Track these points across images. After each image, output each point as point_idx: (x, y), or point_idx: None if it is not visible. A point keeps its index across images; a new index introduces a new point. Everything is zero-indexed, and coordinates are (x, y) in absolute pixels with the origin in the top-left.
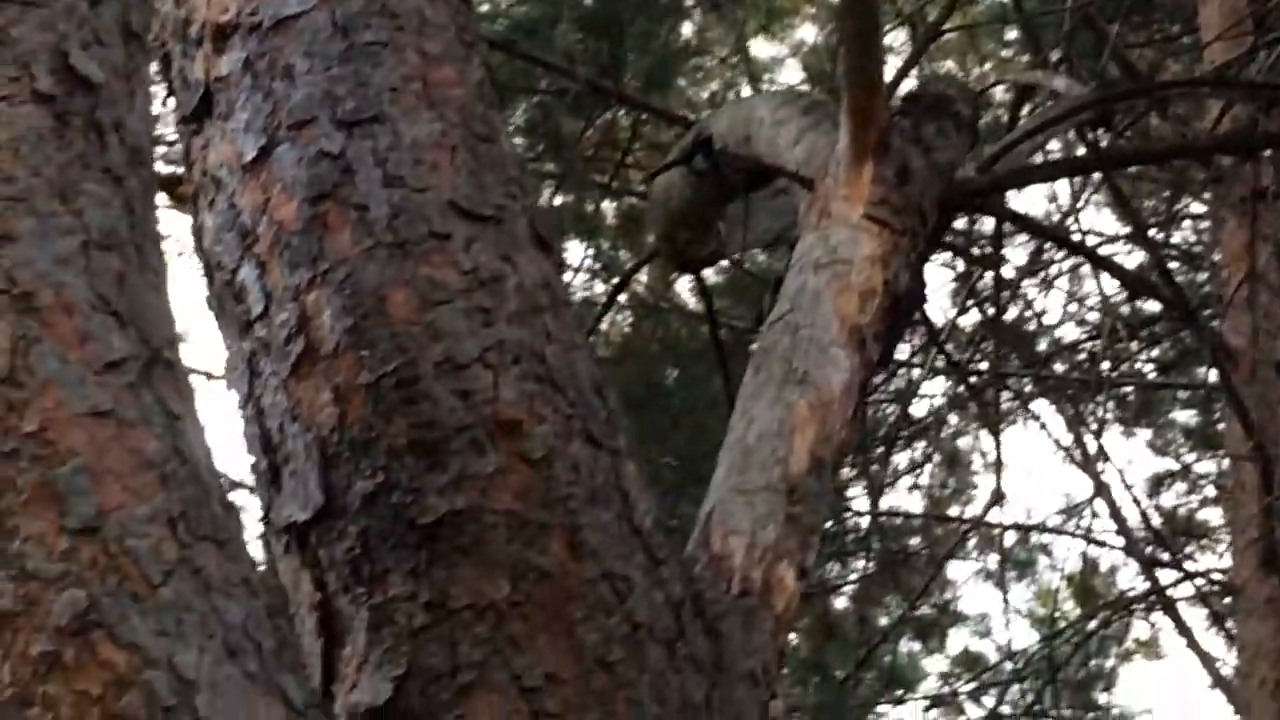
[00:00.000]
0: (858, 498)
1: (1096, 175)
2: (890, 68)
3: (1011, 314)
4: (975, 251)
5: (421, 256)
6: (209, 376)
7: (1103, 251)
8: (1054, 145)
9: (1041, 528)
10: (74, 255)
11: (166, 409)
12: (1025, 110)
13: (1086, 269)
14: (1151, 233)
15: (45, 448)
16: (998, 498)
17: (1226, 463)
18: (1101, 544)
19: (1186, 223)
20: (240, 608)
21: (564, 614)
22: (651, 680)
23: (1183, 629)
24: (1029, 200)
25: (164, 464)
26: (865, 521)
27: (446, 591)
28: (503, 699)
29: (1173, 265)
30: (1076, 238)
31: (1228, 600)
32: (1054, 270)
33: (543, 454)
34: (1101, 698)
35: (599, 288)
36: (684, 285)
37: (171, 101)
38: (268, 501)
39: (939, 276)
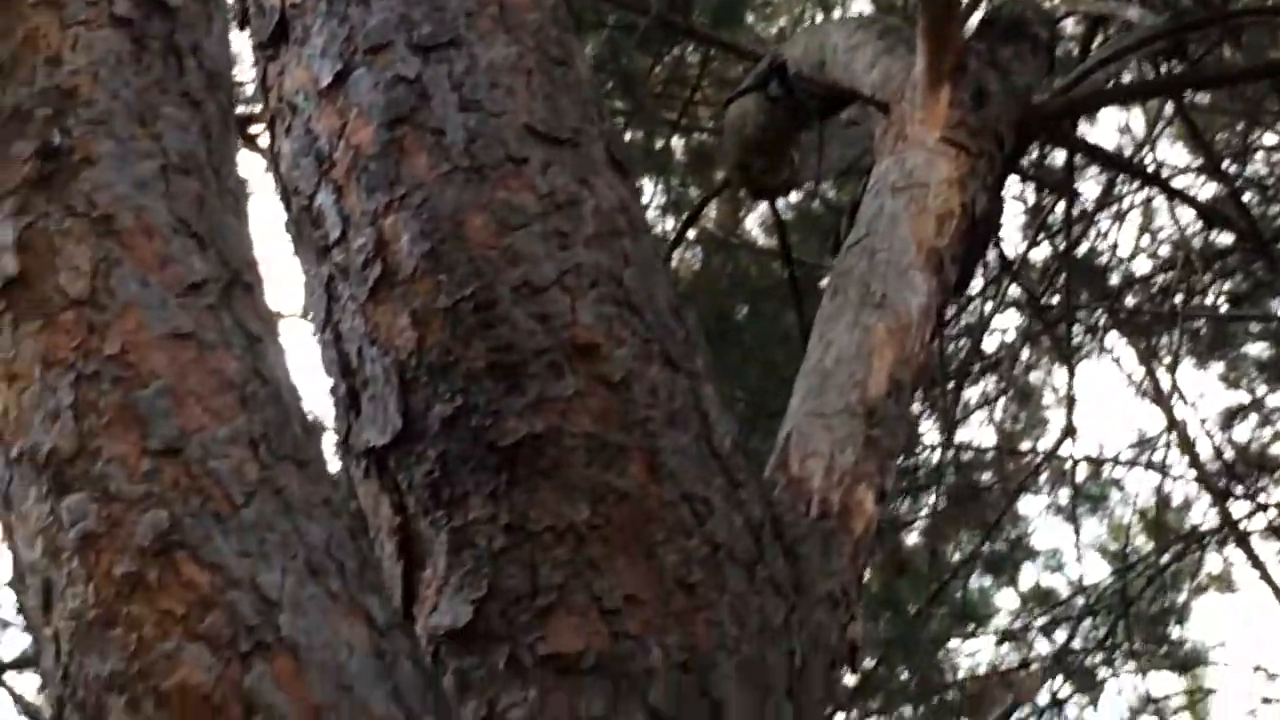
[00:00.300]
0: (929, 432)
1: (1169, 108)
2: None
3: (1084, 247)
4: (1048, 182)
5: (498, 180)
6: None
7: (1176, 184)
8: (1128, 79)
9: (1114, 462)
10: (153, 179)
11: (247, 331)
12: (1097, 42)
13: (1159, 202)
14: (1225, 165)
15: (127, 370)
16: (1070, 432)
17: None
18: (1174, 477)
19: (1260, 155)
20: (322, 528)
21: (643, 536)
22: (731, 602)
23: (1256, 562)
24: (1102, 133)
25: (245, 385)
26: (937, 456)
27: (526, 514)
28: (582, 621)
29: (1246, 197)
30: (1150, 170)
31: None
32: (1127, 203)
33: (621, 376)
34: (1174, 632)
35: (668, 224)
36: (754, 221)
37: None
38: (346, 426)
39: (1010, 209)
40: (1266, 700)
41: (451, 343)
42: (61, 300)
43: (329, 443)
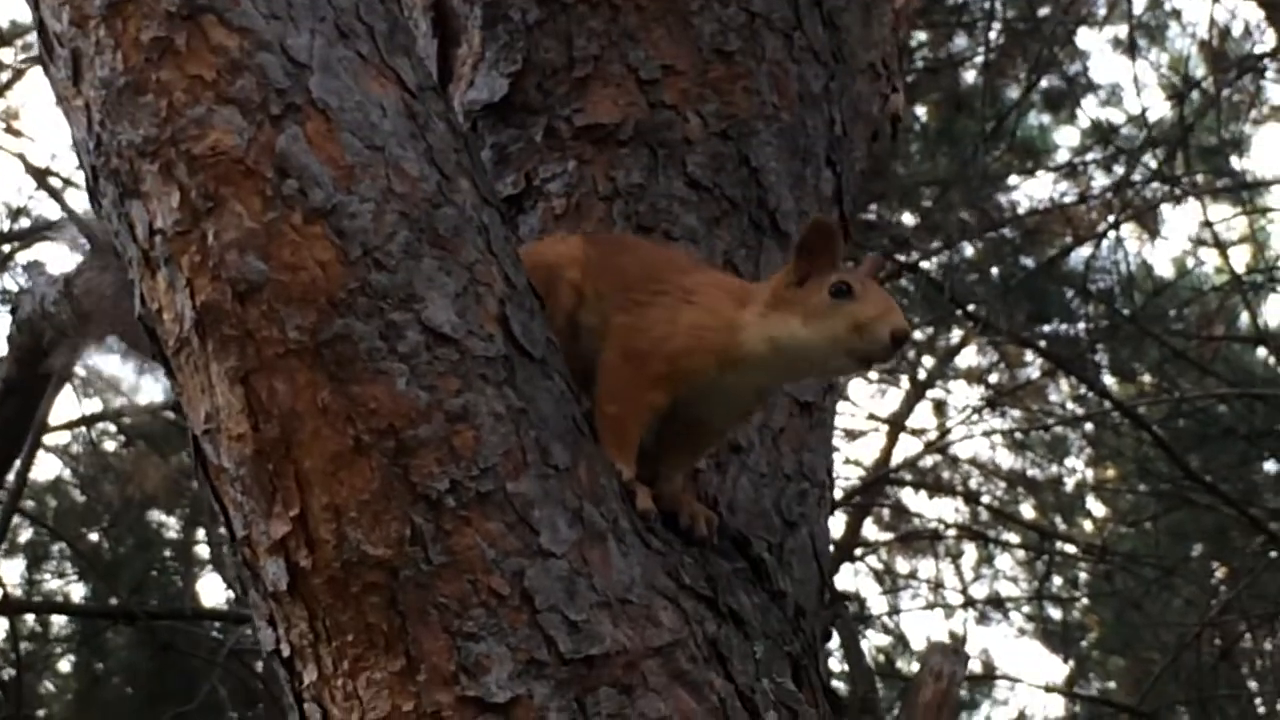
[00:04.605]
0: None
1: None
2: None
3: None
4: None
5: None
6: None
7: None
8: None
9: None
10: None
11: None
12: None
13: None
14: None
15: None
16: None
17: None
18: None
19: None
20: None
21: (679, 4)
22: (769, 69)
23: None
24: None
25: None
26: None
27: None
28: (619, 91)
29: None
30: None
31: None
32: None
33: None
34: (1235, 162)
35: None
36: None
37: None
38: None
39: None
40: None
41: None
42: None
43: None
